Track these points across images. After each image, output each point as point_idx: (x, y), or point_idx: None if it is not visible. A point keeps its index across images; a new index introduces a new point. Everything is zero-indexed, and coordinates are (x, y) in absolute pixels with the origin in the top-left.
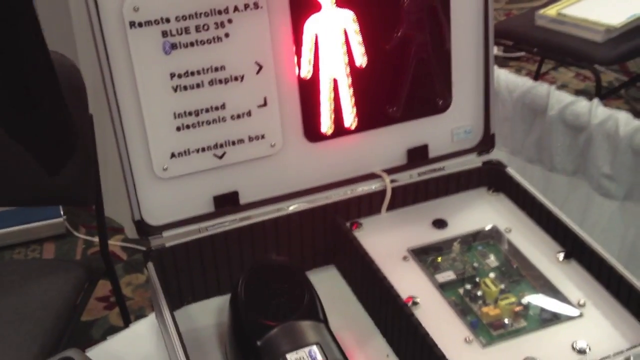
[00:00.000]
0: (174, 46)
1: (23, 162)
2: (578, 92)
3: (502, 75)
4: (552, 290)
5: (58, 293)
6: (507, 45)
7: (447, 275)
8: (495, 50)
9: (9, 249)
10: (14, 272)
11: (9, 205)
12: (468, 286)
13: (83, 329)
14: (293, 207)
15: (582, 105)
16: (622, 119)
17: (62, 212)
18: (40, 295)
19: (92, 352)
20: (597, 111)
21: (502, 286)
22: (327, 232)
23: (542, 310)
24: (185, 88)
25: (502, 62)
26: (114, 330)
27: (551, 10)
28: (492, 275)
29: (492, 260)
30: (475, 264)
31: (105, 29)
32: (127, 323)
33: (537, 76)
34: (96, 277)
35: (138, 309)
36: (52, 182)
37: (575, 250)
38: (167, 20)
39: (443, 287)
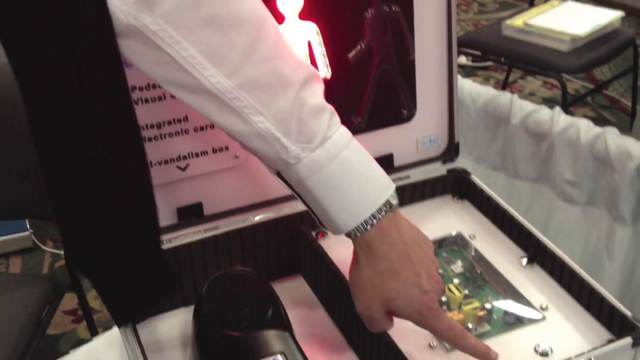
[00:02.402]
0: None
1: None
2: (545, 100)
3: (466, 85)
4: (515, 295)
5: (22, 308)
6: (476, 55)
7: None
8: (464, 60)
9: None
10: None
11: None
12: None
13: (51, 343)
14: (258, 217)
15: (544, 113)
16: (583, 126)
17: (28, 226)
18: (4, 310)
19: None
20: (558, 119)
21: (466, 291)
22: (293, 242)
23: (506, 314)
24: (146, 101)
25: (471, 72)
26: (81, 343)
27: (517, 21)
28: (456, 280)
29: (457, 266)
30: (440, 271)
31: None
32: (94, 336)
33: (504, 85)
34: (62, 291)
35: (106, 322)
36: (18, 195)
37: (538, 255)
38: None
39: None
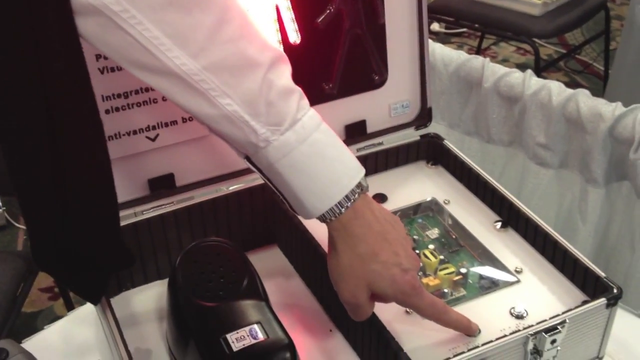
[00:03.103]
0: None
1: None
2: (519, 66)
3: (438, 49)
4: (490, 259)
5: None
6: (449, 21)
7: None
8: (437, 27)
9: None
10: None
11: None
12: None
13: (28, 321)
14: (232, 187)
15: (515, 76)
16: (555, 88)
17: (0, 204)
18: None
19: (29, 343)
20: (530, 82)
21: (442, 257)
22: (267, 212)
23: (481, 278)
24: (112, 69)
25: (444, 39)
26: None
27: None
28: (431, 246)
29: (432, 232)
30: (416, 237)
31: None
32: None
33: (478, 51)
34: (37, 268)
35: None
36: None
37: (512, 218)
38: None
39: None
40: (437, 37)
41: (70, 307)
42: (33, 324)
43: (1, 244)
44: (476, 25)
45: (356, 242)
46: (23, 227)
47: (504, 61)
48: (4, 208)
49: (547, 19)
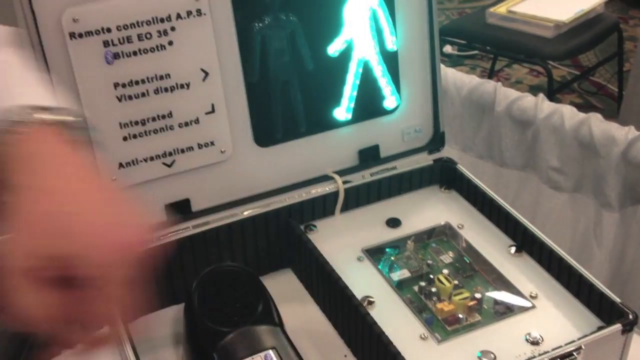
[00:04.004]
0: (116, 56)
1: None
2: (532, 88)
3: (450, 73)
4: (505, 284)
5: None
6: (461, 44)
7: (402, 274)
8: (449, 49)
9: None
10: None
11: None
12: (423, 283)
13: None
14: (247, 212)
15: (528, 100)
16: (567, 112)
17: None
18: None
19: None
20: (542, 106)
21: (456, 282)
22: (282, 236)
23: (496, 303)
24: (130, 97)
25: (457, 61)
26: None
27: (501, 8)
28: (445, 271)
29: (446, 256)
30: (430, 261)
31: (44, 40)
32: None
33: (491, 73)
34: None
35: None
36: None
37: (526, 243)
38: (108, 30)
39: (398, 286)
40: (450, 59)
41: None
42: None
43: None
44: (488, 48)
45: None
46: None
47: (517, 83)
48: None
49: (560, 41)
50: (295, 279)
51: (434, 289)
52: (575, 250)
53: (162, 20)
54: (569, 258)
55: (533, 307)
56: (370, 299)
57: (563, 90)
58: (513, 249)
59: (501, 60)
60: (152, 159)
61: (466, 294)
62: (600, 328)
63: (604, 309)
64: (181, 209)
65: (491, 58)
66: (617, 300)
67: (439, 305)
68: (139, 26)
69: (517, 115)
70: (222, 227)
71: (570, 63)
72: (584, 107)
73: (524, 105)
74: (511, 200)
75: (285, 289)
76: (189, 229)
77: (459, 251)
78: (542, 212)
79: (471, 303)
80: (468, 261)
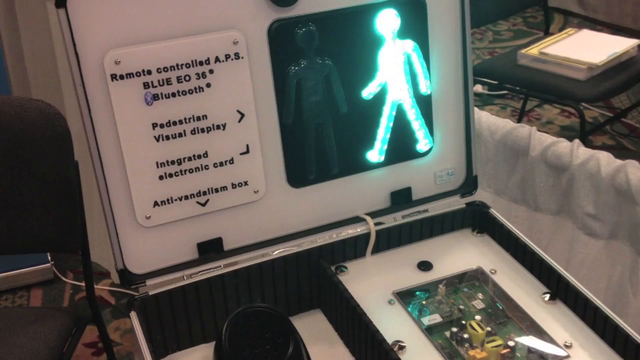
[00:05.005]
0: (155, 97)
1: (11, 209)
2: (563, 129)
3: (484, 117)
4: (539, 332)
5: (44, 342)
6: (492, 84)
7: (434, 319)
8: (480, 89)
9: None
10: (0, 320)
11: None
12: (454, 329)
13: None
14: (278, 252)
15: (563, 146)
16: (603, 159)
17: (49, 258)
18: (27, 344)
19: None
20: (578, 152)
21: (489, 328)
22: (313, 277)
23: (529, 352)
24: (167, 137)
25: (487, 100)
26: None
27: (533, 50)
28: (478, 317)
29: (478, 302)
30: (462, 306)
31: (87, 81)
32: None
33: (522, 114)
34: (83, 324)
35: (126, 355)
36: (40, 230)
37: (560, 291)
38: (149, 72)
39: (429, 331)
40: (480, 98)
41: None
42: None
43: (48, 299)
44: (519, 89)
45: None
46: (70, 281)
47: (548, 123)
48: (53, 262)
49: (592, 84)
50: (325, 319)
51: (466, 335)
52: (610, 298)
53: (201, 63)
54: (604, 307)
55: (567, 356)
56: (402, 344)
57: (595, 132)
58: (547, 296)
59: (532, 99)
60: (186, 197)
61: (499, 342)
62: None
63: None
64: (213, 248)
65: (521, 98)
66: None
67: (471, 352)
68: (178, 69)
69: (552, 161)
70: (253, 266)
71: (602, 104)
72: (616, 149)
73: (559, 151)
74: (545, 246)
75: (314, 330)
76: (220, 267)
77: (491, 297)
78: (576, 259)
79: (504, 351)
80: (501, 307)
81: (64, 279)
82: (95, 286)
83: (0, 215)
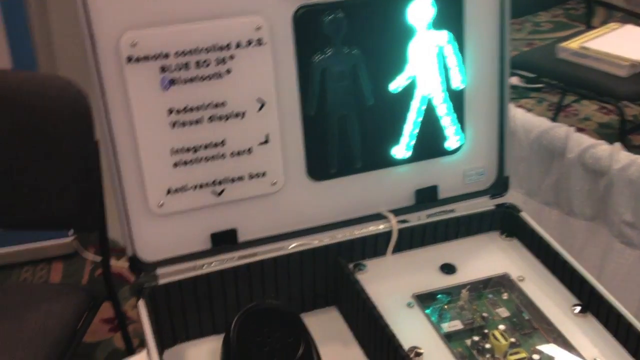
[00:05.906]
0: (172, 82)
1: (31, 186)
2: (601, 126)
3: (519, 115)
4: (566, 346)
5: (58, 319)
6: (529, 77)
7: (454, 325)
8: (515, 81)
9: (18, 266)
10: (16, 296)
11: (13, 228)
12: (476, 337)
13: (87, 351)
14: (294, 246)
15: (602, 149)
16: None
17: (72, 231)
18: (40, 321)
19: None
20: (618, 156)
21: (513, 339)
22: (329, 273)
23: None
24: (183, 124)
25: (523, 93)
26: (117, 353)
27: (573, 44)
28: (502, 326)
29: (502, 310)
30: (485, 314)
31: (102, 62)
32: (129, 347)
33: (558, 109)
34: (99, 302)
35: (142, 333)
36: (59, 207)
37: (592, 303)
38: (166, 56)
39: (449, 338)
40: (516, 90)
41: (128, 341)
42: (92, 355)
43: (68, 272)
44: (557, 83)
45: None
46: (91, 257)
47: (586, 120)
48: (74, 237)
49: (634, 81)
50: (340, 318)
51: (487, 345)
52: None
53: (221, 49)
54: (638, 324)
55: None
56: (419, 351)
57: (636, 130)
58: (577, 309)
59: (569, 94)
60: (201, 186)
61: (523, 354)
62: None
63: None
64: (227, 239)
65: (559, 92)
66: None
67: None
68: (197, 53)
69: (589, 164)
70: (267, 260)
71: None
72: None
73: (598, 154)
74: (577, 252)
75: (328, 329)
76: (233, 259)
77: (517, 305)
78: (609, 267)
79: None
80: (527, 317)
81: (84, 254)
82: (114, 263)
83: (20, 190)
